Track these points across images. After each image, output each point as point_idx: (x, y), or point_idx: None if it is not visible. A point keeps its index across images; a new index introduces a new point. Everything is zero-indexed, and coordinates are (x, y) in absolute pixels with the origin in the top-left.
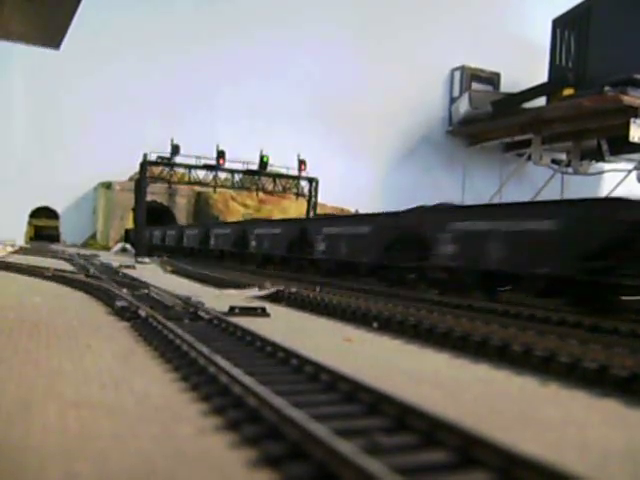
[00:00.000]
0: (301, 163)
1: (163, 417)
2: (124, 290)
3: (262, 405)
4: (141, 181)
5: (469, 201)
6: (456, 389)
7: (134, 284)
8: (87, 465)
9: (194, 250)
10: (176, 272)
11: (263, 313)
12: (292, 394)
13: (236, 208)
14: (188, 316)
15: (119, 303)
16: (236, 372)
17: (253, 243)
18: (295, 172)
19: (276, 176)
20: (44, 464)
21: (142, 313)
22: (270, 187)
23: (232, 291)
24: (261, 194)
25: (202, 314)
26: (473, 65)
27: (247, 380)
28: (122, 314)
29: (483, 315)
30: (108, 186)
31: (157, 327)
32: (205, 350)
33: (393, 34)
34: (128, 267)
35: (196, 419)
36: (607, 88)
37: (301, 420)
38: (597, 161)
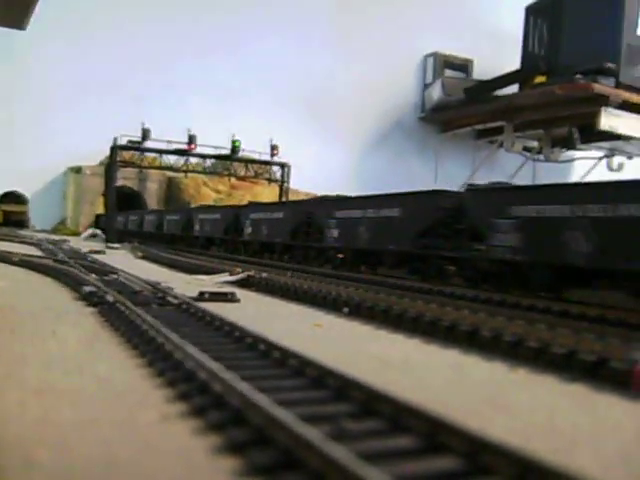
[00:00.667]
0: (273, 148)
1: (127, 403)
2: (92, 275)
3: (227, 391)
4: (111, 166)
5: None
6: (425, 374)
7: (103, 269)
8: (47, 453)
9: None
10: (147, 258)
11: (233, 298)
12: (259, 379)
13: (208, 193)
14: (156, 301)
15: (86, 288)
16: (202, 357)
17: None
18: (268, 157)
19: (248, 161)
20: (2, 452)
21: (109, 298)
22: (242, 172)
23: (203, 277)
24: (233, 179)
25: (170, 299)
26: (446, 52)
27: (213, 365)
28: (89, 299)
29: (453, 300)
30: (78, 171)
31: (124, 312)
32: (171, 335)
33: (367, 19)
34: (98, 252)
35: (161, 405)
36: (578, 76)
37: (266, 405)
38: (568, 149)
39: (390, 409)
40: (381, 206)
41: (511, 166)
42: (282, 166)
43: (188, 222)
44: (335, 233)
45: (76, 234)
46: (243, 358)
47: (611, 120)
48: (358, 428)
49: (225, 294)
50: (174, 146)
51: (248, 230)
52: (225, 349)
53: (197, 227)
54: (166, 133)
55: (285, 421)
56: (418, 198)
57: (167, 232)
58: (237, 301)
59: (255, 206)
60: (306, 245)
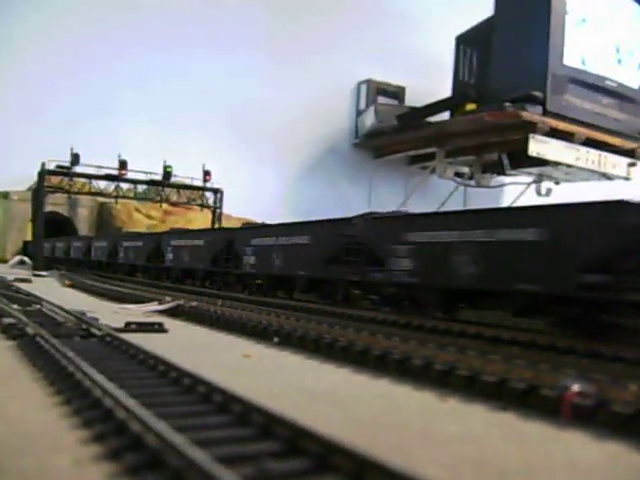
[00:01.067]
0: (206, 174)
1: (38, 448)
2: (14, 306)
3: (145, 431)
4: (39, 191)
5: None
6: (355, 407)
7: (27, 299)
8: None
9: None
10: (75, 286)
11: (160, 329)
12: (179, 417)
13: (140, 219)
14: (79, 333)
15: (6, 320)
16: (120, 394)
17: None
18: (200, 182)
19: (180, 187)
20: None
21: (30, 331)
22: (175, 198)
23: (131, 306)
24: (166, 205)
25: (95, 331)
26: (379, 79)
27: (131, 403)
28: (8, 332)
29: (385, 328)
30: (5, 196)
31: (44, 346)
32: (91, 371)
33: (300, 45)
34: (23, 281)
35: (74, 448)
36: (507, 104)
37: (183, 447)
38: (498, 174)
39: (315, 447)
40: (498, 225)
41: (444, 191)
42: (215, 192)
43: (157, 249)
44: (405, 263)
45: (3, 261)
46: (165, 394)
47: (539, 147)
48: (281, 468)
49: (152, 324)
50: (104, 171)
51: (250, 260)
52: (147, 384)
53: (170, 256)
54: (97, 158)
55: (202, 464)
56: (582, 212)
57: (123, 262)
58: (165, 331)
59: (257, 229)
60: (347, 280)
